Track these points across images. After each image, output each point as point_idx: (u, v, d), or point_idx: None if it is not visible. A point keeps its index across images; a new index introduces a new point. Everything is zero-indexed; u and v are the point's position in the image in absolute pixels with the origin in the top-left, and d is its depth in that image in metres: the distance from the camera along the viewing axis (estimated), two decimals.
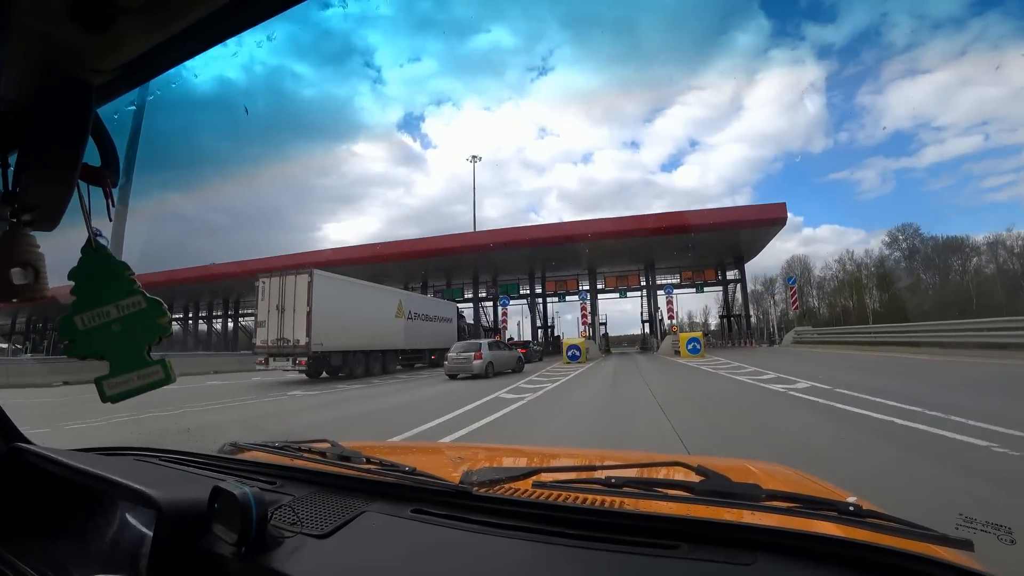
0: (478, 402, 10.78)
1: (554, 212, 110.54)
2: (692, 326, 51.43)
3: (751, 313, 43.74)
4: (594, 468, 1.15)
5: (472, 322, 45.41)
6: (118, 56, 0.68)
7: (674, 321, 34.27)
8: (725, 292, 47.04)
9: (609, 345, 56.49)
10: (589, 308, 41.81)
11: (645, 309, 51.61)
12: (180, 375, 0.99)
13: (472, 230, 43.73)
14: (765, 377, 12.77)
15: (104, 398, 0.90)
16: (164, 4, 0.62)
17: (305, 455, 1.28)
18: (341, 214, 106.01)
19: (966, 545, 0.70)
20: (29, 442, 1.30)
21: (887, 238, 54.47)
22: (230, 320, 54.49)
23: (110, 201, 0.84)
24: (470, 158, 48.65)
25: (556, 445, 6.03)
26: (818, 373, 12.42)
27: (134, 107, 0.92)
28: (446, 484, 1.01)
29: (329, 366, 18.43)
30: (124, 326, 0.87)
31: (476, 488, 0.98)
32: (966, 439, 5.12)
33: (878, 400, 7.78)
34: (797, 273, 63.02)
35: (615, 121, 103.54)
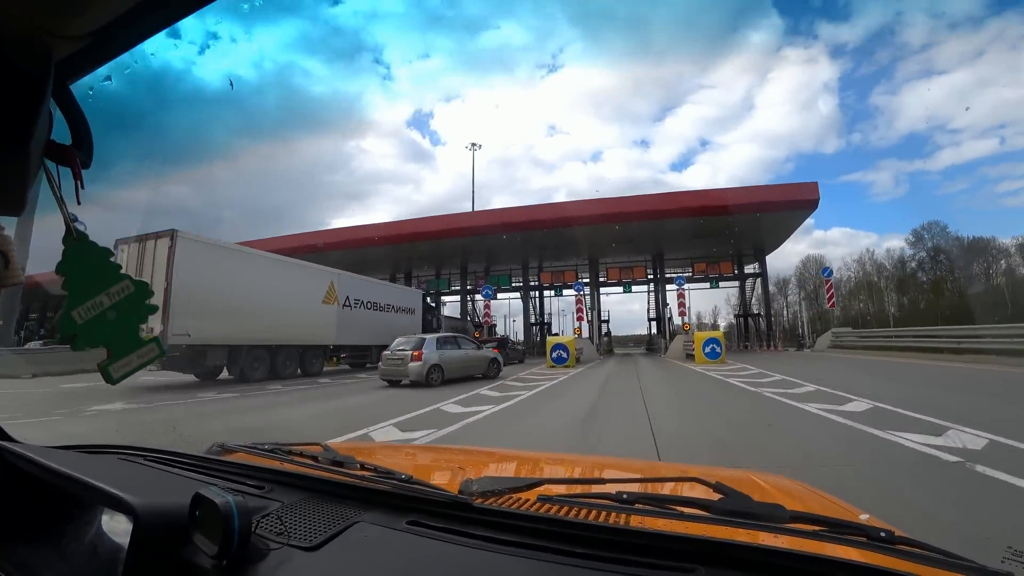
0: (358, 432, 6.73)
1: None
2: (700, 327, 46.29)
3: (770, 312, 38.54)
4: (603, 481, 1.17)
5: (458, 316, 40.92)
6: (86, 21, 0.61)
7: (686, 318, 29.17)
8: (742, 288, 42.00)
9: (612, 345, 52.14)
10: (587, 302, 36.83)
11: (652, 306, 46.78)
12: None
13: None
14: (854, 408, 7.41)
15: (111, 381, 0.89)
16: None
17: (296, 459, 1.22)
18: (350, 210, 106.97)
19: None
20: (11, 439, 1.25)
21: (911, 237, 51.97)
22: None
23: (79, 183, 0.78)
24: (469, 146, 47.57)
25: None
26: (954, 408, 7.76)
27: (110, 82, 0.85)
28: (444, 494, 0.95)
29: (203, 365, 13.60)
30: (118, 312, 0.86)
31: (476, 499, 0.92)
32: None
33: None
34: (813, 272, 59.41)
35: (625, 119, 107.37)
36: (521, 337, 42.84)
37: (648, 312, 48.45)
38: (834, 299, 30.00)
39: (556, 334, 36.92)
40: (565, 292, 41.50)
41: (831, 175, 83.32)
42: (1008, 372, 11.86)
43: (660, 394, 10.60)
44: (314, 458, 1.21)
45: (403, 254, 38.34)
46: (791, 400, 8.46)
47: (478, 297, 45.81)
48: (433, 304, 31.19)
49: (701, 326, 53.34)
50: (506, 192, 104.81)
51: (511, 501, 0.97)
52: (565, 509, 0.92)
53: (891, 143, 74.75)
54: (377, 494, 1.01)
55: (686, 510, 0.87)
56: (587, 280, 39.57)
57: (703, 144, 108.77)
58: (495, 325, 45.83)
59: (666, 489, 1.14)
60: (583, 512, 0.91)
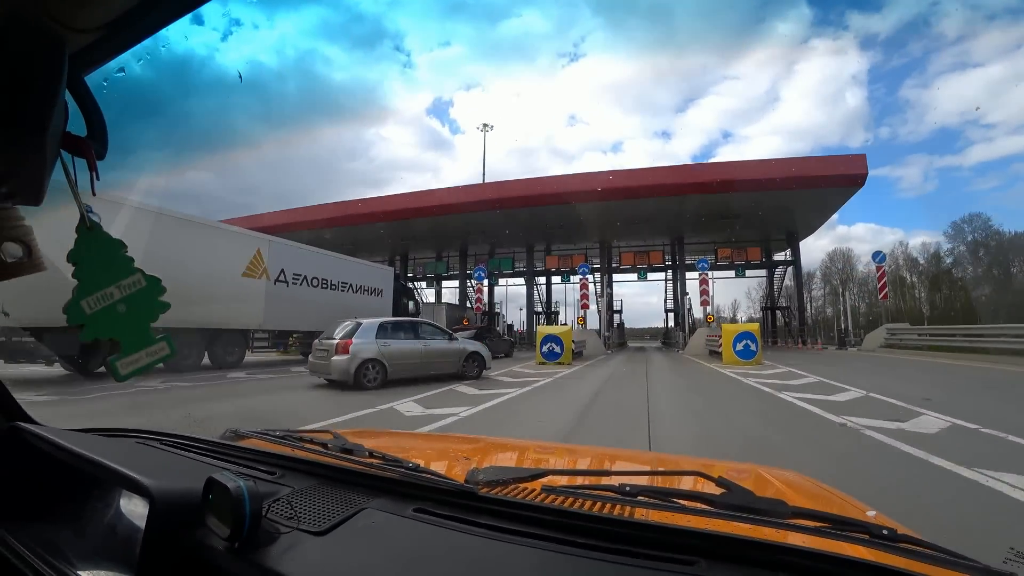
0: None
1: None
2: (702, 324, 42.31)
3: (803, 305, 34.23)
4: (608, 473, 1.21)
5: (460, 303, 37.25)
6: (100, 12, 0.62)
7: (709, 309, 25.09)
8: (770, 277, 37.67)
9: (625, 337, 48.21)
10: (596, 289, 32.85)
11: (669, 295, 42.64)
12: None
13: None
14: None
15: (119, 377, 0.89)
16: None
17: (306, 446, 1.25)
18: (369, 197, 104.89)
19: None
20: (33, 421, 1.29)
21: (950, 230, 47.67)
22: None
23: (94, 174, 0.78)
24: (481, 127, 45.46)
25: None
26: None
27: (123, 73, 0.84)
28: (450, 483, 0.97)
29: (42, 353, 10.08)
30: (128, 306, 0.87)
31: (482, 488, 0.94)
32: None
33: None
34: (839, 266, 55.30)
35: (647, 110, 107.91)
36: (529, 327, 38.94)
37: (665, 302, 44.36)
38: (887, 290, 25.54)
39: (564, 324, 32.95)
40: (574, 279, 37.48)
41: None
42: None
43: (679, 423, 6.69)
44: (324, 445, 1.23)
45: (398, 234, 34.69)
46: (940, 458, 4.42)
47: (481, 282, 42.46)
48: (410, 286, 27.21)
49: (719, 320, 48.87)
50: None
51: (516, 491, 0.98)
52: (569, 500, 0.93)
53: (921, 138, 72.58)
54: (385, 481, 1.03)
55: (689, 504, 0.88)
56: (597, 264, 35.64)
57: (725, 136, 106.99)
58: (497, 313, 42.28)
59: (670, 483, 1.14)
60: (587, 503, 0.92)
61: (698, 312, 32.17)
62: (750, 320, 52.80)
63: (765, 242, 35.01)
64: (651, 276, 38.39)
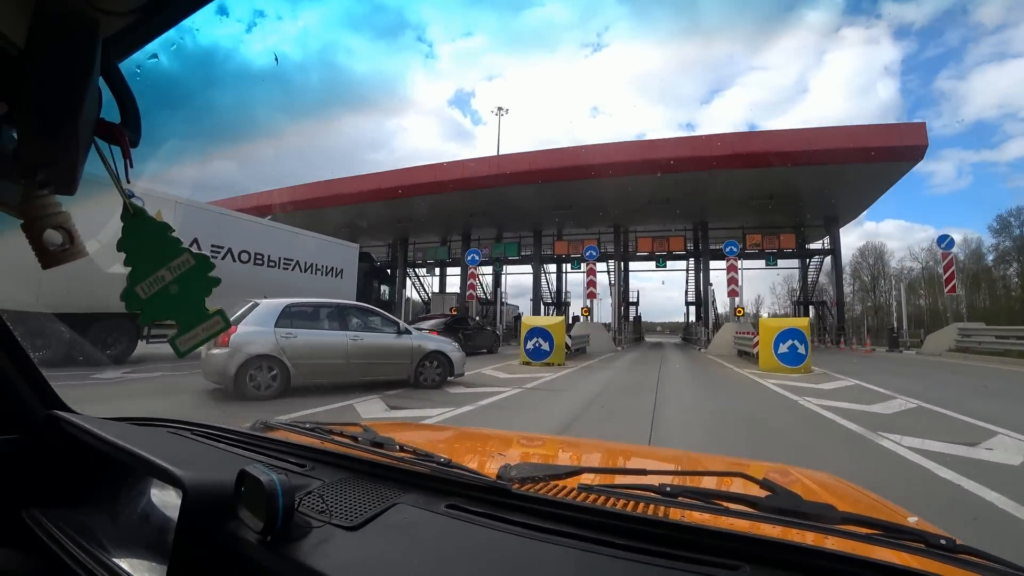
0: None
1: None
2: (730, 319, 37.96)
3: (843, 300, 30.28)
4: (645, 472, 1.13)
5: (456, 292, 34.01)
6: None
7: (738, 301, 21.28)
8: (803, 268, 33.66)
9: (641, 332, 44.62)
10: (609, 277, 29.29)
11: (691, 287, 38.88)
12: None
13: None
14: None
15: (179, 354, 0.89)
16: None
17: (336, 438, 1.23)
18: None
19: None
20: (69, 409, 1.29)
21: (995, 224, 43.84)
22: None
23: (128, 162, 0.78)
24: (495, 110, 44.01)
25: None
26: None
27: (156, 59, 0.87)
28: (483, 479, 0.95)
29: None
30: (180, 286, 0.87)
31: (515, 485, 0.92)
32: None
33: None
34: (870, 261, 50.92)
35: (671, 101, 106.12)
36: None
37: (686, 295, 40.53)
38: (954, 281, 21.47)
39: (576, 318, 29.43)
40: (584, 267, 33.94)
41: None
42: None
43: None
44: (354, 438, 1.21)
45: (396, 215, 31.48)
46: None
47: (485, 270, 39.11)
48: (380, 266, 23.71)
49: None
50: None
51: (550, 488, 0.96)
52: (604, 499, 0.91)
53: (956, 131, 69.83)
54: (416, 476, 1.01)
55: (732, 506, 0.84)
56: (606, 251, 32.08)
57: (751, 128, 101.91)
58: (505, 304, 38.90)
59: (710, 483, 1.09)
60: (624, 503, 0.90)
61: (722, 307, 28.53)
62: (774, 316, 48.88)
63: (799, 228, 31.04)
64: (671, 265, 34.68)
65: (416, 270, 39.33)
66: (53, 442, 1.19)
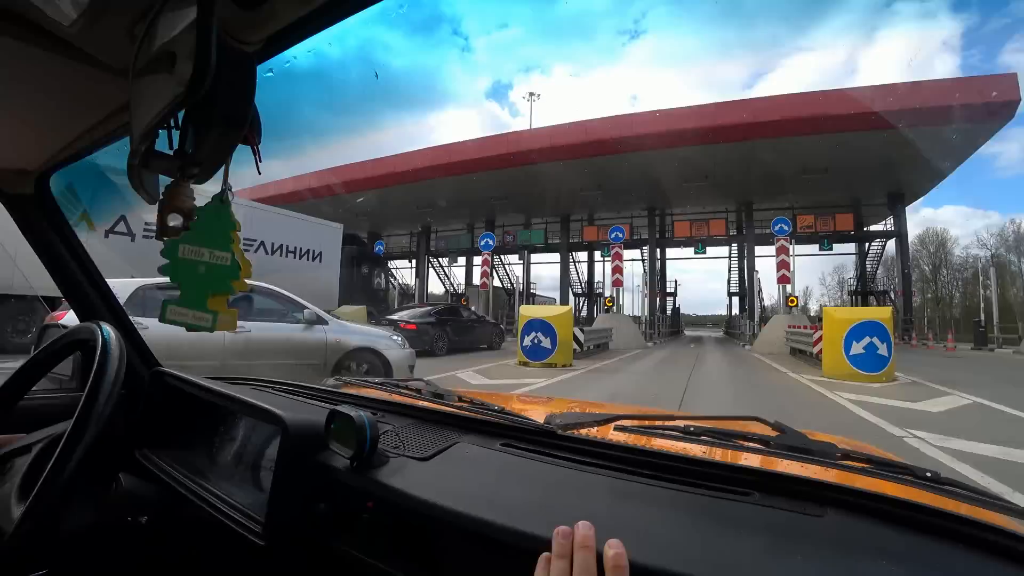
0: None
1: None
2: (781, 311, 33.93)
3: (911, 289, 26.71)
4: (672, 418, 1.19)
5: (502, 285, 31.79)
6: (265, 28, 0.73)
7: (790, 288, 18.15)
8: (862, 252, 30.13)
9: (680, 325, 41.59)
10: (643, 265, 26.58)
11: (734, 275, 35.62)
12: None
13: None
14: None
15: (162, 318, 0.95)
16: None
17: (403, 391, 1.42)
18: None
19: None
20: (161, 365, 1.56)
21: None
22: None
23: (257, 158, 0.91)
24: (527, 95, 42.90)
25: None
26: None
27: (271, 74, 0.97)
28: (533, 423, 1.08)
29: None
30: (206, 271, 0.93)
31: (560, 429, 1.03)
32: None
33: None
34: (931, 249, 45.88)
35: (712, 87, 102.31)
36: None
37: (728, 284, 37.21)
38: None
39: (609, 308, 26.90)
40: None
41: None
42: None
43: None
44: (418, 391, 1.38)
45: (416, 199, 29.50)
46: None
47: (511, 259, 36.82)
48: (373, 251, 21.27)
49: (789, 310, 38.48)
50: None
51: (590, 432, 1.06)
52: (637, 438, 1.02)
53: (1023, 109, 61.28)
54: (473, 422, 1.14)
55: (746, 443, 0.96)
56: (640, 237, 29.28)
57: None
58: (533, 294, 36.49)
59: (730, 426, 1.11)
60: (653, 442, 1.00)
61: (768, 298, 25.41)
62: (820, 313, 44.34)
63: (858, 207, 27.54)
64: (711, 252, 31.62)
65: (440, 260, 37.22)
66: (157, 395, 1.44)
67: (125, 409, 1.38)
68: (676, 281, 39.87)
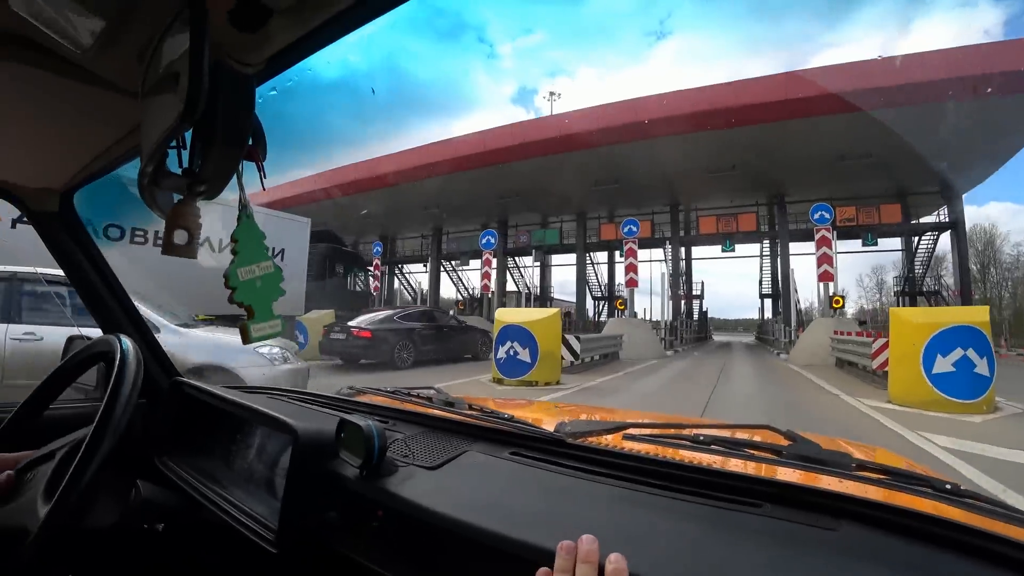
0: None
1: None
2: (824, 313, 30.25)
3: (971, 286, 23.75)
4: (682, 426, 1.18)
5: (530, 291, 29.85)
6: (265, 50, 0.75)
7: (834, 288, 15.43)
8: (908, 248, 27.20)
9: (708, 329, 38.94)
10: (666, 266, 24.27)
11: (766, 274, 32.87)
12: None
13: None
14: None
15: (248, 340, 0.98)
16: (308, 2, 0.69)
17: (414, 399, 1.43)
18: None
19: None
20: (180, 375, 1.62)
21: None
22: None
23: (262, 174, 0.93)
24: (547, 95, 42.74)
25: None
26: None
27: (275, 92, 1.02)
28: (542, 431, 1.08)
29: None
30: (262, 283, 0.98)
31: (569, 438, 1.03)
32: None
33: None
34: (979, 248, 42.02)
35: None
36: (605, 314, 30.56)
37: (760, 285, 34.36)
38: None
39: (622, 311, 24.71)
40: (643, 253, 28.71)
41: None
42: None
43: None
44: (428, 399, 1.40)
45: (424, 199, 27.99)
46: None
47: (525, 260, 34.77)
48: (348, 248, 19.06)
49: (824, 312, 32.67)
50: None
51: (599, 441, 1.06)
52: (647, 447, 1.01)
53: None
54: (483, 430, 1.15)
55: (757, 453, 0.95)
56: (663, 235, 26.94)
57: None
58: (551, 297, 34.35)
59: (741, 435, 1.17)
60: (663, 451, 0.99)
61: (803, 300, 22.62)
62: (862, 311, 40.95)
63: (900, 197, 24.71)
64: (740, 250, 29.14)
65: (453, 263, 35.36)
66: (176, 404, 1.49)
67: (145, 417, 1.46)
68: (702, 283, 37.19)
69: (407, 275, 39.22)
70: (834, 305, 14.69)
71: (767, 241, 29.46)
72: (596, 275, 35.27)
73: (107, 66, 0.78)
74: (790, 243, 25.62)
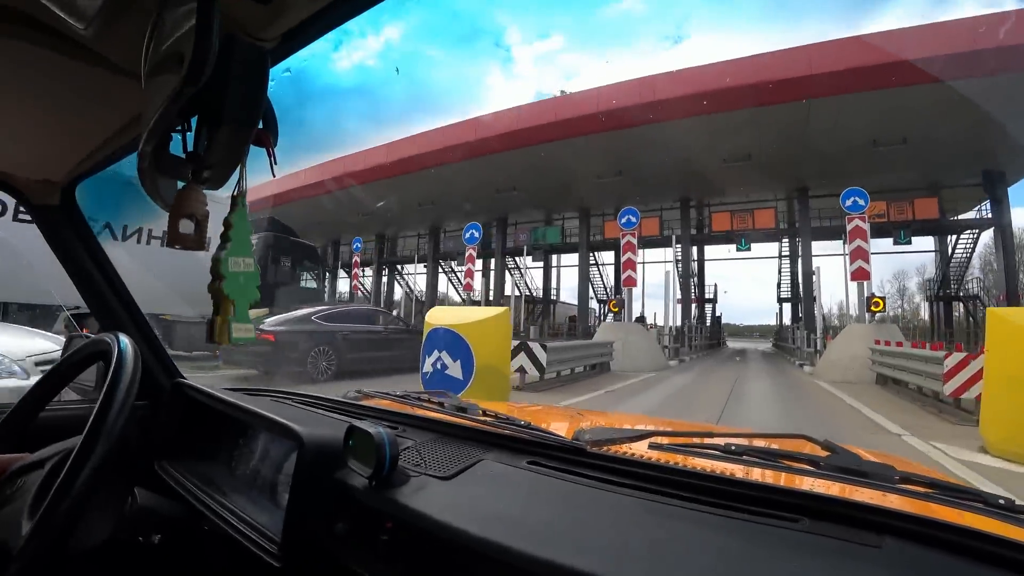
0: None
1: None
2: (843, 319, 26.72)
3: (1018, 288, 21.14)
4: (711, 435, 1.13)
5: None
6: (280, 25, 0.72)
7: (870, 286, 12.93)
8: (943, 249, 24.74)
9: (722, 335, 36.56)
10: (675, 267, 22.14)
11: (784, 276, 30.46)
12: None
13: None
14: None
15: (227, 340, 0.91)
16: None
17: (425, 404, 1.35)
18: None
19: None
20: (183, 377, 1.55)
21: None
22: None
23: (272, 160, 0.89)
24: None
25: None
26: None
27: (289, 73, 0.97)
28: (561, 439, 1.02)
29: None
30: (244, 281, 0.90)
31: (591, 446, 0.98)
32: None
33: None
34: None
35: None
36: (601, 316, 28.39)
37: (778, 287, 31.87)
38: None
39: (640, 318, 22.57)
40: (651, 253, 26.58)
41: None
42: None
43: None
44: (440, 404, 1.31)
45: (417, 196, 26.87)
46: None
47: (530, 262, 32.87)
48: (304, 241, 16.94)
49: (843, 318, 27.93)
50: None
51: (622, 449, 1.00)
52: (673, 457, 0.94)
53: None
54: (499, 437, 1.08)
55: (794, 464, 0.88)
56: (673, 232, 24.77)
57: None
58: (554, 300, 32.32)
59: (775, 444, 1.05)
60: (691, 461, 0.93)
61: (827, 299, 20.21)
62: (897, 317, 37.86)
63: (937, 189, 22.30)
64: (757, 250, 26.85)
65: (453, 263, 33.50)
66: (178, 406, 1.44)
67: (145, 420, 1.42)
68: (715, 285, 34.79)
69: (406, 276, 37.67)
70: (872, 308, 12.26)
71: (785, 240, 27.14)
72: (601, 276, 33.16)
73: (111, 44, 0.74)
74: (813, 241, 23.32)
